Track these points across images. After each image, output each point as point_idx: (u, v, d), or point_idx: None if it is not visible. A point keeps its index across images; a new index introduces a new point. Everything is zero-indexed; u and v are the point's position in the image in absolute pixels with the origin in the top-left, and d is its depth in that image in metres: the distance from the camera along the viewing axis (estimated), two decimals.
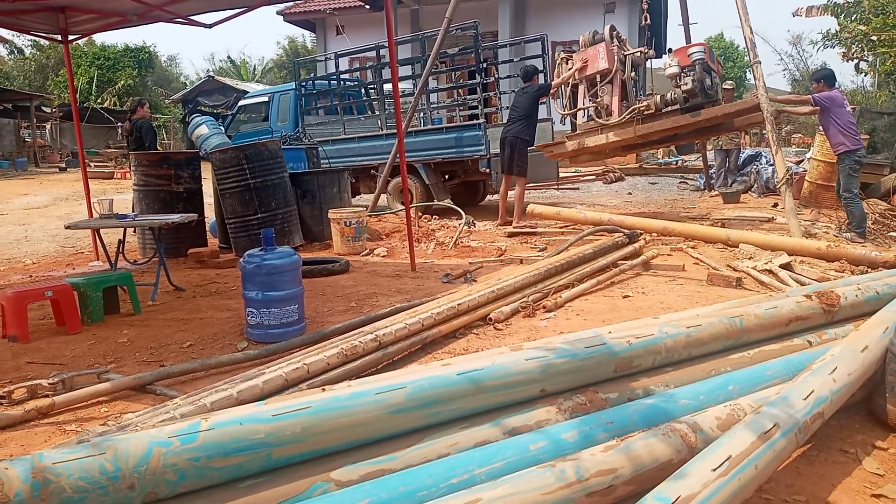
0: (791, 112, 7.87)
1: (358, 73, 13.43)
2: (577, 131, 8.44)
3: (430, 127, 10.21)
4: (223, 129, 12.65)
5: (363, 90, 12.21)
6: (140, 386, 3.18)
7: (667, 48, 9.74)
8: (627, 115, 7.77)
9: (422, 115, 10.57)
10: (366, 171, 10.47)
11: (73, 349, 3.93)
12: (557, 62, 8.61)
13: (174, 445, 1.68)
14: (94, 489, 1.56)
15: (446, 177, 10.14)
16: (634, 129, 7.80)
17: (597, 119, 8.08)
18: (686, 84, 7.45)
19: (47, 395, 3.01)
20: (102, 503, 1.58)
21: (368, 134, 10.52)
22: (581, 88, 8.24)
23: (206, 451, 1.71)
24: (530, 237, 7.53)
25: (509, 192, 8.58)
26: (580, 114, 8.37)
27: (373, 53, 10.64)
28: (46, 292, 4.24)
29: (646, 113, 7.77)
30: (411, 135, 9.68)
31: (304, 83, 11.60)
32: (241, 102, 13.39)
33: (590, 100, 8.13)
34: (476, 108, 9.94)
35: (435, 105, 11.05)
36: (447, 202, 9.36)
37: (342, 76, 11.76)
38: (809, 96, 7.05)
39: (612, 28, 8.30)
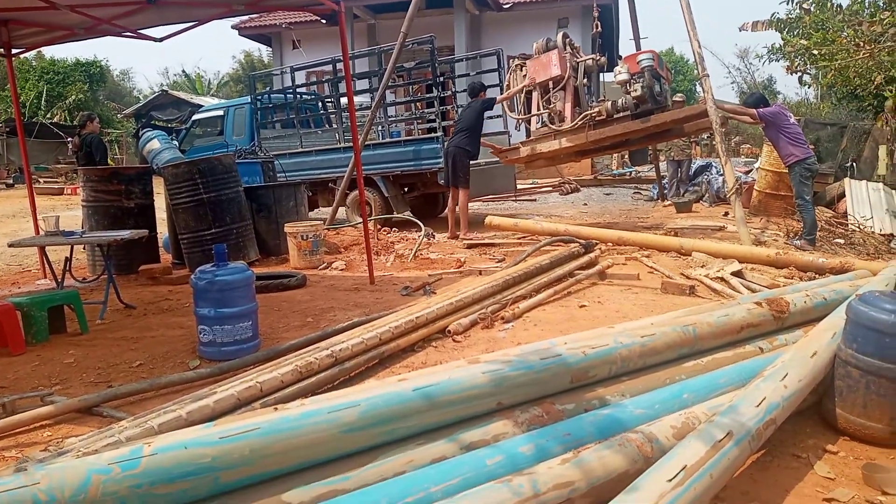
0: (736, 119, 8.06)
1: (315, 86, 13.34)
2: (532, 137, 8.52)
3: (388, 140, 10.18)
4: (176, 143, 12.41)
5: (320, 103, 12.12)
6: (86, 408, 3.07)
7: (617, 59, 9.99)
8: (580, 120, 7.87)
9: (380, 128, 10.54)
10: (324, 184, 10.38)
11: (15, 371, 3.78)
12: (511, 68, 8.69)
13: (114, 473, 1.61)
14: None
15: (405, 189, 10.13)
16: (586, 134, 7.89)
17: (550, 125, 8.16)
18: (635, 90, 7.57)
19: None
20: None
21: (326, 147, 10.44)
22: (535, 95, 8.32)
23: (148, 478, 1.64)
24: (489, 248, 7.54)
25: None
26: (534, 120, 8.45)
27: (329, 67, 10.59)
28: None
29: (597, 119, 7.86)
30: (370, 148, 9.65)
31: (259, 97, 11.48)
32: (196, 116, 13.15)
33: (543, 106, 8.21)
34: (434, 121, 9.96)
35: (393, 118, 11.04)
36: (406, 214, 9.33)
37: (299, 90, 11.67)
38: (753, 110, 7.22)
39: (566, 35, 8.40)
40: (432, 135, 9.69)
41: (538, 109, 8.29)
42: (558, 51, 8.06)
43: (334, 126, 10.93)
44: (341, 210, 9.77)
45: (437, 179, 9.28)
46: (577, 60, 8.24)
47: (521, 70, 8.46)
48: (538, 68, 8.18)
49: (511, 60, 8.83)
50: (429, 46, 9.44)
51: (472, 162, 8.36)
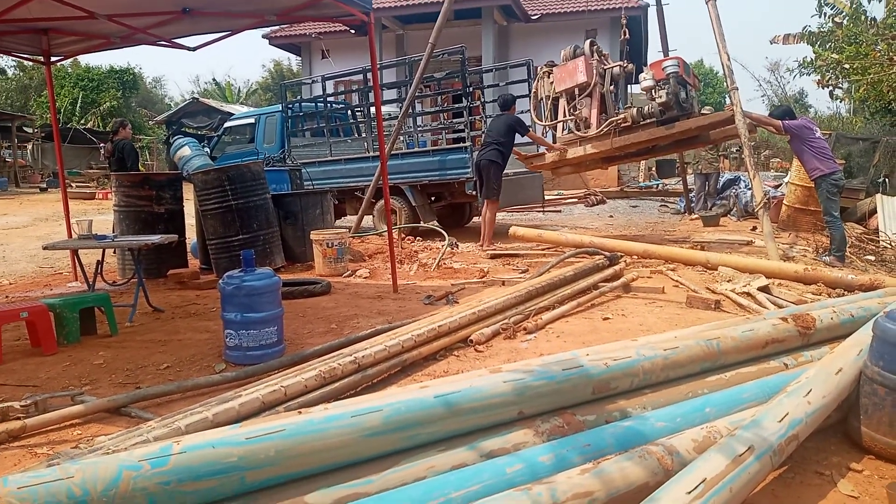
0: (763, 127, 7.98)
1: (343, 96, 13.49)
2: (557, 144, 8.53)
3: (416, 149, 10.24)
4: (208, 150, 12.62)
5: (350, 112, 12.24)
6: (115, 408, 3.14)
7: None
8: (605, 127, 7.86)
9: (408, 137, 10.63)
10: (352, 192, 10.48)
11: (47, 371, 3.87)
12: (539, 76, 8.71)
13: (144, 469, 1.66)
14: None
15: (432, 198, 10.17)
16: (612, 141, 7.88)
17: (576, 132, 8.17)
18: (660, 97, 7.54)
19: (19, 418, 2.96)
20: None
21: (355, 156, 10.53)
22: (562, 102, 8.34)
23: (177, 475, 1.68)
24: (512, 259, 7.55)
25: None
26: (560, 127, 8.46)
27: (359, 77, 10.70)
28: (22, 313, 4.18)
29: (623, 125, 7.85)
30: (398, 157, 9.73)
31: (290, 105, 11.60)
32: (227, 124, 13.35)
33: (569, 113, 8.21)
34: (462, 131, 10.00)
35: (421, 128, 11.11)
36: (433, 224, 9.36)
37: (328, 99, 11.80)
38: (780, 122, 7.17)
39: (593, 43, 8.40)
40: (460, 145, 9.73)
41: (564, 116, 8.30)
42: (585, 58, 8.07)
43: (363, 135, 11.03)
44: (368, 218, 9.84)
45: (465, 189, 9.30)
46: (605, 67, 8.24)
47: (549, 77, 8.48)
48: (564, 75, 8.19)
49: (539, 69, 8.86)
50: (459, 56, 9.49)
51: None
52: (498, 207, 8.53)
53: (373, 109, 10.23)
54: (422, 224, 9.44)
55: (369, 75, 9.93)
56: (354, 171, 10.23)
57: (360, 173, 10.13)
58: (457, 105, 10.39)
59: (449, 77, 10.34)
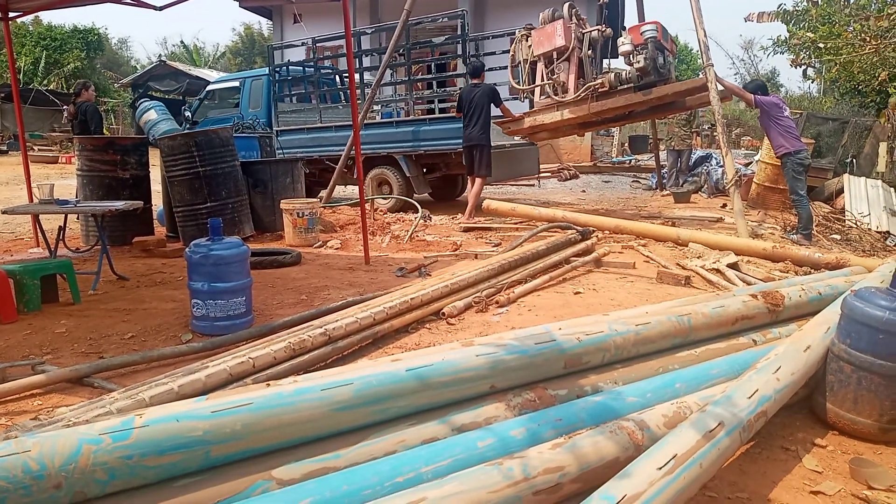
0: (735, 95, 7.94)
1: (328, 61, 13.10)
2: (535, 108, 8.45)
3: (413, 118, 9.95)
4: (189, 113, 12.17)
5: (337, 79, 11.91)
6: (77, 378, 3.05)
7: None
8: (583, 92, 7.80)
9: (401, 105, 10.38)
10: (337, 161, 10.22)
11: (6, 339, 3.76)
12: (516, 39, 8.56)
13: (105, 443, 1.60)
14: (15, 489, 1.47)
15: (425, 170, 9.96)
16: (589, 106, 7.82)
17: (553, 96, 8.09)
18: (638, 62, 7.49)
19: None
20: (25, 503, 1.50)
21: (343, 123, 10.22)
22: (539, 66, 8.23)
23: (139, 449, 1.63)
24: (485, 232, 7.53)
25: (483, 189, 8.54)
26: (538, 91, 8.37)
27: (341, 42, 10.34)
28: None
29: (600, 90, 7.78)
30: (393, 125, 9.52)
31: (278, 69, 11.18)
32: (210, 87, 12.80)
33: (547, 77, 8.12)
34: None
35: (417, 95, 10.83)
36: (410, 199, 9.15)
37: (316, 64, 11.45)
38: (752, 96, 7.20)
39: (572, 6, 8.27)
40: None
41: (542, 80, 8.20)
42: (563, 21, 7.94)
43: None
44: (340, 188, 9.65)
45: (462, 160, 9.08)
46: (583, 32, 8.13)
47: (527, 41, 8.36)
48: (542, 38, 8.06)
49: (517, 31, 8.70)
50: (460, 21, 9.20)
51: (497, 144, 8.23)
52: (485, 183, 8.44)
53: (366, 76, 10.00)
54: (399, 196, 9.27)
55: (363, 39, 9.59)
56: (343, 139, 9.88)
57: (348, 141, 9.83)
58: (450, 73, 10.11)
59: (447, 43, 10.02)
